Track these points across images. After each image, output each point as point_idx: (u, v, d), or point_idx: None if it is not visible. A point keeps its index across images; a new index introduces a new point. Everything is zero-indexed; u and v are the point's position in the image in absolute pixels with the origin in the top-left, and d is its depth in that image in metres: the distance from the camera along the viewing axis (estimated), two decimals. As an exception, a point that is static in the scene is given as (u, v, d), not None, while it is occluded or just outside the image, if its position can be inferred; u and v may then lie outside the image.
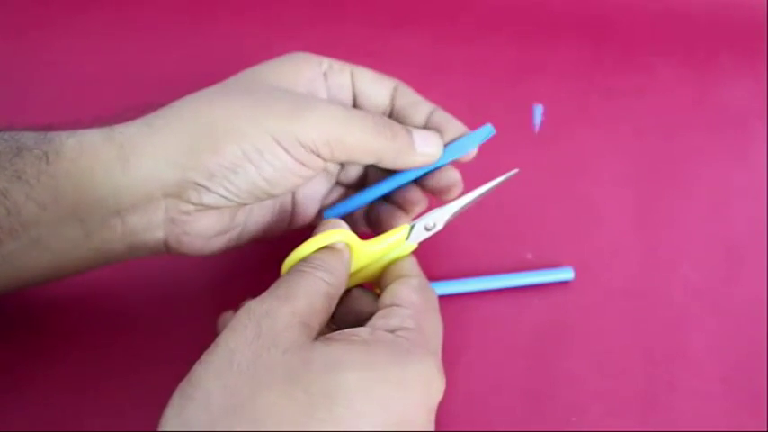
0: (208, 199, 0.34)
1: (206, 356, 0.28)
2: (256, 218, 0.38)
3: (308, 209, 0.40)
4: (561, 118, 0.51)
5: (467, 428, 0.37)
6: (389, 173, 0.38)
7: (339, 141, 0.34)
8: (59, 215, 0.33)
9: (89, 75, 0.52)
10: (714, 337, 0.41)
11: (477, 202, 0.37)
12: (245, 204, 0.35)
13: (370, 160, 0.36)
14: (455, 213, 0.36)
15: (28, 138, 0.33)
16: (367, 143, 0.35)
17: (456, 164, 0.38)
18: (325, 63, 0.38)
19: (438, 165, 0.37)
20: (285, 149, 0.33)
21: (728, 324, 0.42)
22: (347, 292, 0.36)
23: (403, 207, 0.39)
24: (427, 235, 0.36)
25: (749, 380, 0.40)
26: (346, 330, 0.30)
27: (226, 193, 0.34)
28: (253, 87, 0.36)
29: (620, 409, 0.39)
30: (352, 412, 0.27)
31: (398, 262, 0.35)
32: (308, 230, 0.39)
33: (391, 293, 0.33)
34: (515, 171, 0.37)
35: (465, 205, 0.36)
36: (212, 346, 0.29)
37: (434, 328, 0.33)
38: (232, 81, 0.37)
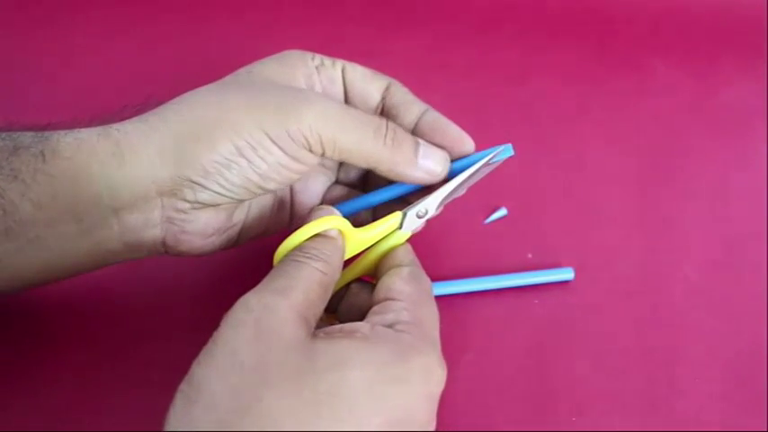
0: (203, 196, 0.34)
1: (205, 355, 0.28)
2: (255, 216, 0.38)
3: (308, 205, 0.40)
4: (561, 118, 0.51)
5: (467, 428, 0.37)
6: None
7: (332, 140, 0.33)
8: (56, 214, 0.32)
9: (88, 74, 0.52)
10: (714, 337, 0.41)
11: (474, 196, 0.37)
12: (241, 200, 0.35)
13: (364, 165, 0.35)
14: (446, 198, 0.36)
15: (25, 137, 0.33)
16: (362, 147, 0.34)
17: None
18: (317, 58, 0.38)
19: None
20: (277, 144, 0.33)
21: (728, 324, 0.42)
22: (347, 287, 0.36)
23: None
24: (420, 222, 0.36)
25: (749, 380, 0.40)
26: (345, 326, 0.30)
27: (220, 190, 0.34)
28: (247, 84, 0.36)
29: (621, 409, 0.38)
30: (357, 410, 0.27)
31: (392, 252, 0.35)
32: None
33: (384, 286, 0.33)
34: (510, 153, 0.36)
35: (454, 189, 0.36)
36: (210, 344, 0.28)
37: (431, 317, 0.33)
38: (228, 78, 0.37)
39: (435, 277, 0.41)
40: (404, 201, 0.38)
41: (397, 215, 0.35)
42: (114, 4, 0.56)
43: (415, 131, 0.37)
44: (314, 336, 0.29)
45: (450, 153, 0.37)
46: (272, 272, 0.31)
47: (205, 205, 0.34)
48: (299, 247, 0.32)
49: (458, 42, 0.55)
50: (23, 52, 0.53)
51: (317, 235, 0.33)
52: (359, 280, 0.37)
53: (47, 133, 0.33)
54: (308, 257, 0.31)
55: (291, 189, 0.39)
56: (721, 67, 0.54)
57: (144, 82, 0.49)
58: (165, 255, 0.36)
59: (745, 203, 0.47)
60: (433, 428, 0.30)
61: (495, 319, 0.42)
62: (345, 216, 0.34)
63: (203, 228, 0.35)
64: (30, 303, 0.40)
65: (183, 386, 0.28)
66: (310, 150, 0.34)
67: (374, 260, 0.36)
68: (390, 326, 0.31)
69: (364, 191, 0.40)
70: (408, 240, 0.36)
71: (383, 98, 0.38)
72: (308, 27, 0.55)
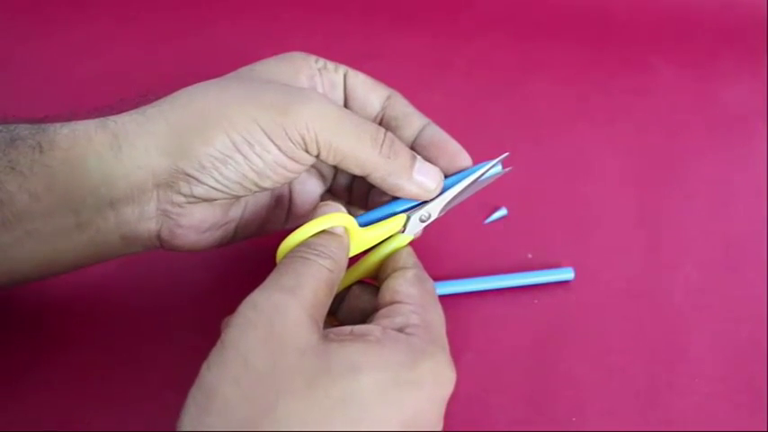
0: (198, 190, 0.34)
1: (215, 359, 0.27)
2: (251, 213, 0.38)
3: (305, 207, 0.40)
4: (561, 117, 0.51)
5: (467, 428, 0.37)
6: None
7: (328, 142, 0.33)
8: (53, 205, 0.32)
9: (88, 73, 0.52)
10: (714, 337, 0.41)
11: (473, 194, 0.37)
12: (237, 196, 0.35)
13: (358, 171, 0.35)
14: (448, 204, 0.36)
15: (22, 129, 0.33)
16: (358, 152, 0.34)
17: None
18: (321, 61, 0.38)
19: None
20: (273, 141, 0.33)
21: (728, 324, 0.42)
22: (348, 289, 0.36)
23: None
24: (422, 227, 0.36)
25: (749, 380, 0.40)
26: (356, 329, 0.30)
27: (215, 185, 0.34)
28: (248, 80, 0.36)
29: (620, 409, 0.38)
30: (371, 414, 0.27)
31: (395, 254, 0.35)
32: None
33: (390, 289, 0.33)
34: (505, 155, 0.36)
35: (457, 195, 0.36)
36: (219, 346, 0.28)
37: (438, 319, 0.33)
38: (229, 75, 0.37)
39: (435, 277, 0.41)
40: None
41: (402, 217, 0.35)
42: (114, 4, 0.56)
43: (414, 145, 0.37)
44: (325, 338, 0.29)
45: (447, 168, 0.37)
46: (278, 268, 0.31)
47: (200, 200, 0.34)
48: (305, 244, 0.32)
49: (458, 42, 0.55)
50: (24, 51, 0.53)
51: (322, 231, 0.32)
52: (360, 282, 0.36)
53: (44, 125, 0.33)
54: (315, 255, 0.31)
55: (290, 189, 0.39)
56: (721, 68, 0.54)
57: (144, 81, 0.49)
58: (160, 248, 0.36)
59: (745, 203, 0.47)
60: (441, 429, 0.30)
61: (495, 319, 0.41)
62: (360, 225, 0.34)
63: (198, 222, 0.35)
64: (29, 303, 0.40)
65: (194, 391, 0.27)
66: (306, 150, 0.33)
67: (376, 263, 0.36)
68: (400, 329, 0.31)
69: (350, 203, 0.40)
70: (409, 244, 0.36)
71: (383, 108, 0.38)
72: (308, 26, 0.55)
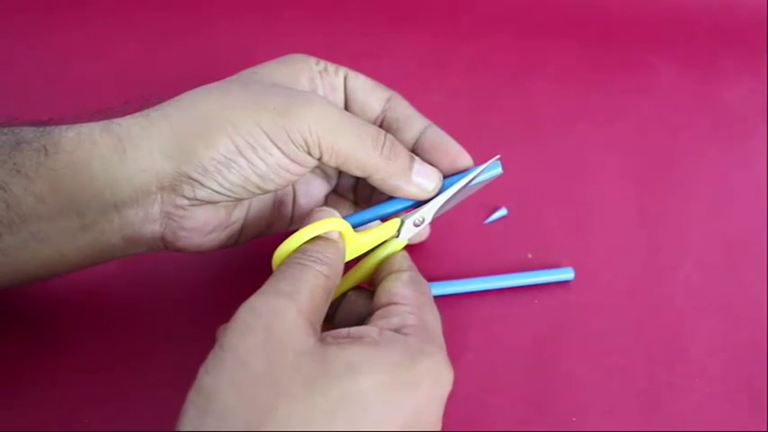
0: (201, 193, 0.34)
1: (213, 363, 0.27)
2: (255, 214, 0.38)
3: (311, 205, 0.40)
4: (561, 117, 0.51)
5: (467, 428, 0.37)
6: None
7: (330, 144, 0.33)
8: (58, 208, 0.33)
9: (89, 74, 0.52)
10: (714, 337, 0.41)
11: (472, 198, 0.37)
12: (240, 199, 0.35)
13: (359, 173, 0.35)
14: (442, 207, 0.36)
15: (27, 132, 0.33)
16: (359, 154, 0.34)
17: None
18: (321, 64, 0.38)
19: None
20: (276, 145, 0.33)
21: (728, 324, 0.42)
22: (344, 295, 0.36)
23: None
24: (416, 231, 0.36)
25: (749, 380, 0.40)
26: (353, 331, 0.30)
27: (219, 188, 0.34)
28: (250, 83, 0.36)
29: (620, 409, 0.38)
30: (370, 415, 0.27)
31: (389, 259, 0.35)
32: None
33: (386, 291, 0.33)
34: (497, 157, 0.36)
35: (450, 198, 0.36)
36: (217, 350, 0.28)
37: (434, 319, 0.33)
38: (232, 78, 0.37)
39: (435, 277, 0.41)
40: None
41: (396, 222, 0.35)
42: (115, 4, 0.56)
43: (416, 147, 0.37)
44: (322, 341, 0.29)
45: (448, 169, 0.37)
46: (275, 274, 0.31)
47: (204, 202, 0.34)
48: (301, 250, 0.32)
49: (458, 42, 0.55)
50: (25, 51, 0.53)
51: (317, 237, 0.32)
52: (355, 287, 0.36)
53: (49, 128, 0.34)
54: (311, 261, 0.31)
55: (293, 190, 0.39)
56: (721, 67, 0.54)
57: (146, 82, 0.49)
58: (164, 250, 0.36)
59: (745, 203, 0.47)
60: (439, 428, 0.30)
61: (495, 319, 0.42)
62: (354, 226, 0.34)
63: (202, 224, 0.35)
64: (30, 303, 0.40)
65: (192, 395, 0.27)
66: (308, 153, 0.34)
67: (370, 268, 0.36)
68: (397, 330, 0.31)
69: (356, 203, 0.40)
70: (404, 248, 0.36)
71: (384, 111, 0.38)
72: (308, 26, 0.55)
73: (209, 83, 0.36)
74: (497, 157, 0.37)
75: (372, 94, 0.38)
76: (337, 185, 0.41)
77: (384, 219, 0.37)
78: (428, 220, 0.36)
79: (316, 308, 0.30)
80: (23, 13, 0.55)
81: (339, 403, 0.27)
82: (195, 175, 0.33)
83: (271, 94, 0.34)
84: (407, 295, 0.33)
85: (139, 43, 0.54)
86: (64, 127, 0.34)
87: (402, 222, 0.35)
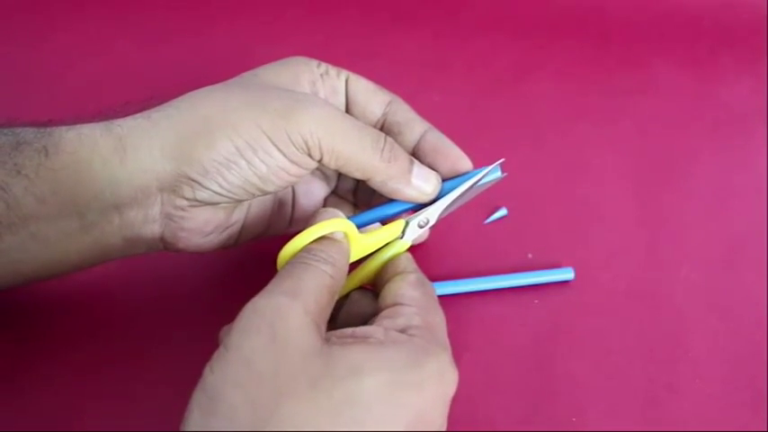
0: (201, 195, 0.34)
1: (218, 363, 0.27)
2: (255, 215, 0.38)
3: (309, 209, 0.40)
4: (561, 117, 0.51)
5: (467, 428, 0.37)
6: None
7: (330, 147, 0.34)
8: (58, 209, 0.33)
9: (89, 74, 0.52)
10: (714, 337, 0.41)
11: (472, 199, 0.37)
12: (240, 200, 0.35)
13: (359, 175, 0.35)
14: (446, 209, 0.36)
15: (27, 132, 0.33)
16: (359, 157, 0.34)
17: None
18: (323, 66, 0.38)
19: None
20: (277, 147, 0.33)
21: (728, 324, 0.42)
22: (347, 296, 0.36)
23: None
24: (420, 232, 0.36)
25: (749, 380, 0.40)
26: (358, 330, 0.30)
27: (219, 189, 0.34)
28: (251, 86, 0.36)
29: (620, 409, 0.38)
30: (374, 416, 0.27)
31: (395, 260, 0.35)
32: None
33: (392, 292, 0.33)
34: (501, 161, 0.37)
35: (455, 200, 0.36)
36: (222, 350, 0.28)
37: (439, 321, 0.33)
38: (233, 80, 0.37)
39: (435, 277, 0.41)
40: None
41: (400, 223, 0.36)
42: (115, 5, 0.56)
43: (416, 150, 0.38)
44: (327, 341, 0.29)
45: (449, 172, 0.37)
46: (280, 274, 0.31)
47: (204, 203, 0.34)
48: (305, 249, 0.32)
49: (458, 42, 0.55)
50: (25, 51, 0.53)
51: (322, 237, 0.32)
52: (359, 288, 0.36)
53: (49, 129, 0.34)
54: (316, 260, 0.31)
55: (293, 191, 0.39)
56: (721, 67, 0.54)
57: (145, 82, 0.49)
58: (163, 251, 0.36)
59: (745, 203, 0.47)
60: (444, 429, 0.30)
61: (495, 319, 0.42)
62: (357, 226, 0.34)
63: (202, 225, 0.35)
64: (30, 303, 0.40)
65: (196, 395, 0.27)
66: (309, 155, 0.34)
67: (374, 269, 0.36)
68: (402, 330, 0.31)
69: (355, 206, 0.40)
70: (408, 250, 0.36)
71: (385, 114, 0.38)
72: (308, 26, 0.55)
73: (210, 83, 0.36)
74: (501, 160, 0.37)
75: (373, 98, 0.38)
76: (337, 187, 0.41)
77: (384, 221, 0.37)
78: (432, 221, 0.36)
79: (320, 307, 0.30)
80: (23, 13, 0.55)
81: (343, 404, 0.27)
82: (196, 176, 0.33)
83: (272, 97, 0.34)
84: (414, 296, 0.33)
85: (139, 43, 0.54)
86: (64, 128, 0.34)
87: (407, 224, 0.36)
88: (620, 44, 0.55)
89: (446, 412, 0.30)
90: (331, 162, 0.34)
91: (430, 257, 0.43)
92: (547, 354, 0.40)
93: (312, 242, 0.32)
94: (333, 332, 0.30)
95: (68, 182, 0.32)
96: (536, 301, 0.42)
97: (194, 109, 0.34)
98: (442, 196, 0.37)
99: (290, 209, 0.39)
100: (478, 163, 0.38)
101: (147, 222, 0.34)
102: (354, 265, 0.35)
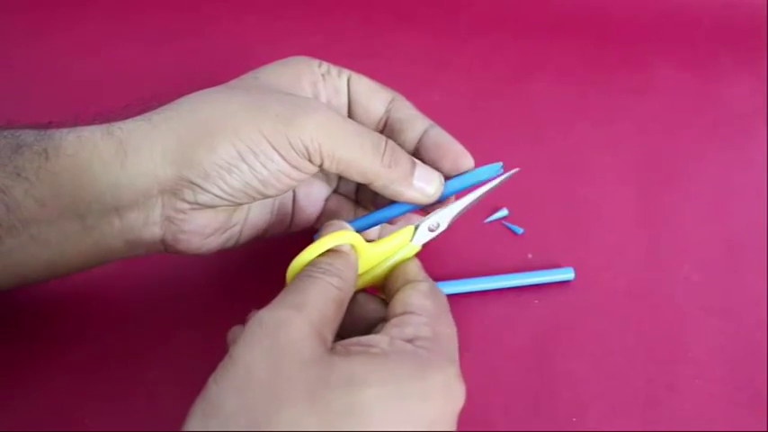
0: (202, 198, 0.34)
1: (221, 372, 0.28)
2: (255, 218, 0.38)
3: (309, 210, 0.40)
4: (561, 117, 0.51)
5: (467, 428, 0.37)
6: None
7: (331, 152, 0.33)
8: (58, 211, 0.33)
9: (89, 75, 0.52)
10: (714, 337, 0.41)
11: (479, 201, 0.37)
12: (241, 204, 0.35)
13: (360, 179, 0.35)
14: (458, 213, 0.36)
15: (28, 135, 0.33)
16: (360, 161, 0.34)
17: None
18: (324, 66, 0.38)
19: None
20: (277, 151, 0.33)
21: (728, 324, 0.42)
22: (352, 297, 0.36)
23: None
24: (431, 236, 0.36)
25: (749, 380, 0.40)
26: (363, 339, 0.30)
27: (220, 193, 0.34)
28: (253, 89, 0.36)
29: (621, 409, 0.38)
30: (372, 427, 0.27)
31: (403, 266, 0.35)
32: (309, 231, 0.40)
33: (402, 301, 0.33)
34: (516, 170, 0.37)
35: (468, 205, 0.36)
36: (226, 360, 0.28)
37: (450, 333, 0.32)
38: (234, 83, 0.37)
39: (436, 277, 0.41)
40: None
41: (409, 229, 0.35)
42: (115, 5, 0.56)
43: (418, 147, 0.38)
44: (331, 350, 0.29)
45: (450, 170, 0.37)
46: (286, 288, 0.31)
47: (204, 206, 0.34)
48: (312, 263, 0.32)
49: (458, 42, 0.55)
50: (25, 51, 0.53)
51: (329, 250, 0.33)
52: (364, 291, 0.36)
53: (49, 131, 0.34)
54: (321, 273, 0.31)
55: (294, 192, 0.39)
56: (722, 67, 0.54)
57: (146, 83, 0.49)
58: (164, 253, 0.36)
59: (745, 203, 0.47)
60: None
61: (495, 319, 0.42)
62: (357, 231, 0.34)
63: (202, 228, 0.35)
64: (30, 303, 0.40)
65: (198, 402, 0.27)
66: (309, 160, 0.34)
67: (383, 271, 0.36)
68: (410, 340, 0.30)
69: (357, 204, 0.40)
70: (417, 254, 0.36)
71: (387, 112, 0.38)
72: (308, 26, 0.55)
73: (210, 83, 0.36)
74: (516, 170, 0.37)
75: (376, 96, 0.38)
76: (339, 187, 0.41)
77: (389, 222, 0.37)
78: (444, 226, 0.36)
79: (326, 319, 0.30)
80: (23, 13, 0.55)
81: (340, 413, 0.27)
82: (197, 180, 0.33)
83: (273, 101, 0.34)
84: (424, 306, 0.32)
85: (139, 44, 0.54)
86: (65, 130, 0.34)
87: (416, 228, 0.35)
88: (620, 44, 0.55)
89: (455, 427, 0.30)
90: (332, 167, 0.34)
91: (430, 257, 0.43)
92: (547, 354, 0.40)
93: (319, 255, 0.32)
94: (339, 342, 0.30)
95: (69, 185, 0.32)
96: (536, 301, 0.42)
97: (195, 112, 0.34)
98: (446, 196, 0.36)
99: (290, 210, 0.39)
100: (479, 163, 0.38)
101: (148, 225, 0.34)
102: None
